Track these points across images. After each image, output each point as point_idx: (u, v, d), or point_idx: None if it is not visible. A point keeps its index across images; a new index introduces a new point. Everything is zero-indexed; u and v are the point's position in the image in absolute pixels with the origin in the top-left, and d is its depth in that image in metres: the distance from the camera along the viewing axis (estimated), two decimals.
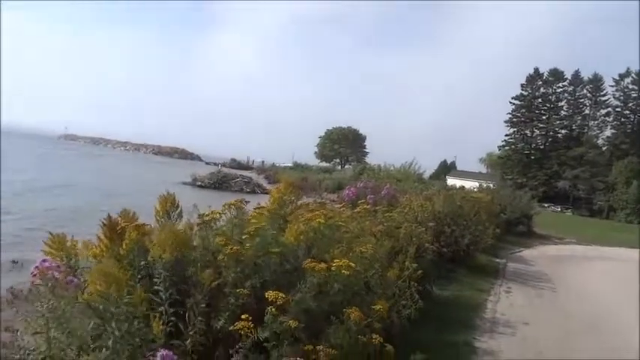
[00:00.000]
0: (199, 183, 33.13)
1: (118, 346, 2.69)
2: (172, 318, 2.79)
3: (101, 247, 3.34)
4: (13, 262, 8.96)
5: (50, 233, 3.04)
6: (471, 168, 64.64)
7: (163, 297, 2.90)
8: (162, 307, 2.85)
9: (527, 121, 63.34)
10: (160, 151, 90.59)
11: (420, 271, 4.88)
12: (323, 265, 2.90)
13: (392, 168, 30.36)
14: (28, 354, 2.65)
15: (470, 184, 22.76)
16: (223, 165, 58.79)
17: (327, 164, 72.89)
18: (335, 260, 3.05)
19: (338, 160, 78.44)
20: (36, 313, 2.47)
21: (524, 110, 63.51)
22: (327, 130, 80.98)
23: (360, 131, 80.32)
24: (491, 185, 25.16)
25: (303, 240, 3.38)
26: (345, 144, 78.19)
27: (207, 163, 68.71)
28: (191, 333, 2.81)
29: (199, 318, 2.82)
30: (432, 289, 6.65)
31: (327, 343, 2.82)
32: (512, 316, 6.81)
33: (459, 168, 65.07)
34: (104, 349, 2.78)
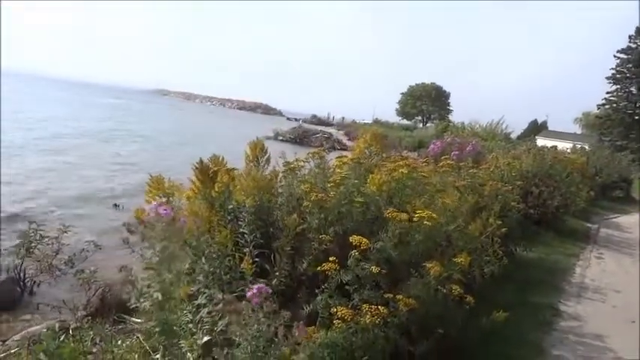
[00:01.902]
0: (281, 137, 33.86)
1: (208, 281, 2.91)
2: (257, 259, 2.95)
3: (193, 190, 3.57)
4: (115, 205, 9.87)
5: (150, 175, 3.28)
6: (564, 128, 60.27)
7: (248, 239, 3.07)
8: (248, 249, 3.02)
9: (634, 77, 57.19)
10: (243, 106, 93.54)
11: (504, 229, 4.73)
12: (405, 215, 2.89)
13: (477, 126, 28.95)
14: (141, 288, 2.92)
15: (562, 145, 21.26)
16: (304, 121, 59.44)
17: (408, 122, 70.92)
18: (417, 211, 3.03)
19: (419, 118, 76.02)
20: (147, 250, 2.66)
21: (630, 65, 57.19)
22: (410, 86, 78.37)
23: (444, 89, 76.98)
24: (586, 147, 23.39)
25: (385, 190, 3.38)
26: (427, 101, 75.31)
27: (288, 119, 69.77)
28: (276, 273, 2.96)
29: (284, 260, 2.96)
30: (515, 249, 6.42)
31: (406, 293, 2.85)
32: (603, 283, 6.44)
33: (550, 128, 60.82)
34: (196, 282, 3.02)
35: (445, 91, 76.69)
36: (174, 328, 2.45)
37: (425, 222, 2.93)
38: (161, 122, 37.32)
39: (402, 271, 3.02)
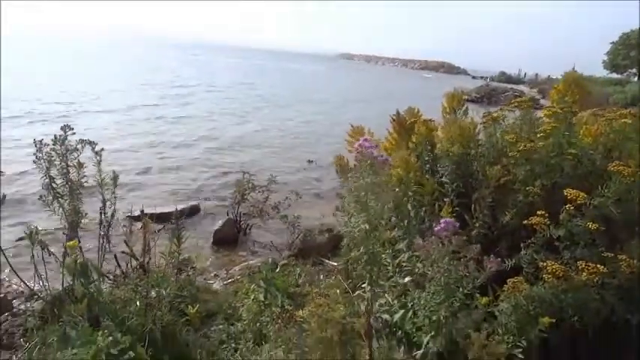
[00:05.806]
0: (466, 97, 32.38)
1: (410, 227, 3.02)
2: (457, 208, 2.94)
3: (390, 141, 3.69)
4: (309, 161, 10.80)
5: (351, 125, 3.48)
6: None
7: (450, 189, 3.08)
8: (449, 198, 3.03)
9: None
10: (426, 66, 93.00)
11: None
12: (632, 170, 2.56)
13: None
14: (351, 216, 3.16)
15: None
16: (491, 79, 55.88)
17: (619, 75, 60.35)
18: None
19: (634, 71, 63.93)
20: (355, 185, 2.82)
21: None
22: (623, 33, 65.84)
23: None
24: None
25: (602, 142, 3.04)
26: None
27: (473, 77, 66.28)
28: (476, 224, 2.92)
29: (485, 211, 2.90)
30: None
31: (628, 254, 2.56)
32: None
33: None
34: (396, 228, 3.15)
35: None
36: (378, 259, 2.59)
37: None
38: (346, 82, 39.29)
39: (623, 231, 2.71)
